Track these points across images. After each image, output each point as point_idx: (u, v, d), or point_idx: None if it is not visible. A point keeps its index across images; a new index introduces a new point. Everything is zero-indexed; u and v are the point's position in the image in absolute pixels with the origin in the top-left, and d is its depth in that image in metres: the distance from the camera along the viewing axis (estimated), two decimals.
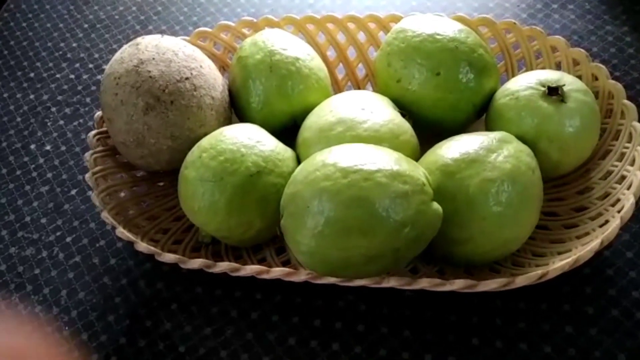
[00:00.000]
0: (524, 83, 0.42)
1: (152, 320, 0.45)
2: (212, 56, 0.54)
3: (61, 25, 0.69)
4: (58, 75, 0.64)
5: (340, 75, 0.55)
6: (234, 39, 0.54)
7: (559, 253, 0.40)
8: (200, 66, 0.45)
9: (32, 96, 0.62)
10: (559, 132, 0.40)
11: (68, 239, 0.51)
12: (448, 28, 0.45)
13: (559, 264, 0.36)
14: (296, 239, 0.33)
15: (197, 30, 0.54)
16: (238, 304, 0.45)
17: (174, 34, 0.66)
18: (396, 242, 0.32)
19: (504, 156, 0.38)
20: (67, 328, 0.46)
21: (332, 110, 0.42)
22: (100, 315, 0.46)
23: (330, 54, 0.55)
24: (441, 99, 0.44)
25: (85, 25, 0.68)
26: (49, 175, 0.55)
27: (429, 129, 0.48)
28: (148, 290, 0.47)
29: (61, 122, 0.60)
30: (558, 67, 0.48)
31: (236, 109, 0.48)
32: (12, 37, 0.68)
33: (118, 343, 0.45)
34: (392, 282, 0.35)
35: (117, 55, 0.45)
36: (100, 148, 0.48)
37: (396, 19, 0.51)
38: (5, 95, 0.63)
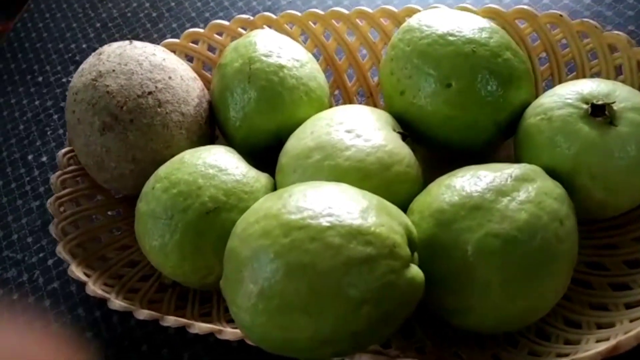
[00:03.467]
0: (560, 98, 0.32)
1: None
2: (208, 60, 0.48)
3: (74, 24, 0.65)
4: (64, 80, 0.60)
5: (350, 81, 0.47)
6: (230, 40, 0.48)
7: (599, 326, 0.30)
8: (169, 77, 0.39)
9: (37, 102, 0.59)
10: (604, 166, 0.30)
11: (50, 262, 0.47)
12: (466, 26, 0.35)
13: (590, 352, 0.26)
14: (233, 308, 0.26)
15: (187, 31, 0.48)
16: (211, 352, 0.39)
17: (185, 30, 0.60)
18: (353, 325, 0.24)
19: (519, 201, 0.28)
20: None
21: (312, 132, 0.35)
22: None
23: (339, 56, 0.47)
24: (452, 116, 0.35)
25: (98, 25, 0.64)
26: (41, 189, 0.52)
27: (443, 151, 0.39)
28: (120, 327, 0.42)
29: (60, 131, 0.56)
30: (619, 71, 0.37)
31: (218, 125, 0.42)
32: (27, 39, 0.66)
33: None
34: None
35: (81, 66, 0.40)
36: (72, 167, 0.43)
37: (413, 12, 0.42)
38: (13, 101, 0.60)
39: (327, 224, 0.25)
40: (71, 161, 0.43)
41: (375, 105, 0.46)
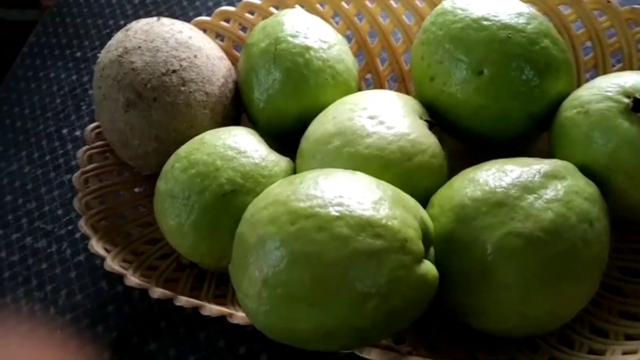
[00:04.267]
0: (600, 90, 0.30)
1: (139, 337, 0.41)
2: (239, 40, 0.47)
3: (113, 1, 0.66)
4: None
5: (382, 65, 0.45)
6: (262, 20, 0.47)
7: (628, 337, 0.28)
8: (195, 56, 0.38)
9: (74, 77, 0.60)
10: None
11: (77, 235, 0.48)
12: (503, 11, 0.33)
13: None
14: (239, 294, 0.26)
15: (218, 9, 0.47)
16: (227, 334, 0.39)
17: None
18: (357, 319, 0.23)
19: (546, 200, 0.27)
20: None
21: (335, 116, 0.34)
22: (91, 324, 0.43)
23: (372, 39, 0.45)
24: (484, 106, 0.33)
25: (136, 1, 0.65)
26: (73, 163, 0.53)
27: (473, 142, 0.37)
28: (140, 304, 0.42)
29: (94, 106, 0.57)
30: None
31: (243, 107, 0.41)
32: (69, 15, 0.67)
33: (101, 358, 0.41)
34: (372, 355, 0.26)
35: (109, 42, 0.40)
36: (100, 143, 0.44)
37: None
38: (52, 75, 0.61)
39: (336, 214, 0.24)
40: (99, 137, 0.43)
41: (407, 92, 0.44)
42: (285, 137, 0.40)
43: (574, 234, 0.26)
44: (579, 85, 0.37)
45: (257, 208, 0.26)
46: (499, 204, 0.27)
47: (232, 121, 0.41)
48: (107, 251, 0.37)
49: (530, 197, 0.27)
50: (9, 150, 0.56)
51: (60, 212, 0.50)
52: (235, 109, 0.41)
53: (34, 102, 0.59)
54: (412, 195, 0.31)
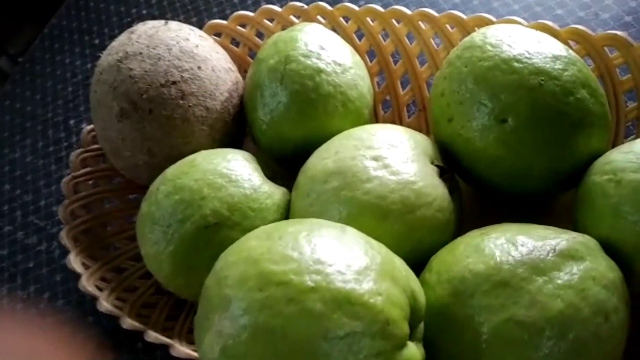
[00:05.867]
0: (637, 157, 0.26)
1: (115, 354, 0.39)
2: (255, 47, 0.45)
3: None
4: None
5: (404, 89, 0.42)
6: (281, 28, 0.44)
7: None
8: (199, 67, 0.35)
9: (89, 65, 0.58)
10: None
11: None
12: (538, 52, 0.29)
13: None
14: (199, 353, 0.23)
15: (235, 14, 0.44)
16: None
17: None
18: None
19: (557, 285, 0.23)
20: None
21: (337, 152, 0.31)
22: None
23: (395, 59, 0.42)
24: (504, 158, 0.30)
25: None
26: None
27: (488, 191, 0.33)
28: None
29: None
30: None
31: (248, 125, 0.38)
32: None
33: None
34: None
35: (112, 43, 0.37)
36: (96, 146, 0.42)
37: (484, 23, 0.36)
38: (67, 60, 0.60)
39: (312, 284, 0.21)
40: (95, 139, 0.41)
41: (427, 121, 0.41)
42: (289, 161, 0.37)
43: (585, 329, 0.23)
44: (615, 141, 0.33)
45: (227, 262, 0.23)
46: (502, 283, 0.23)
47: (232, 138, 0.38)
48: (86, 267, 0.35)
49: (540, 280, 0.23)
50: (14, 136, 0.55)
51: (55, 208, 0.48)
52: (238, 126, 0.38)
53: (46, 88, 0.58)
54: (414, 253, 0.28)
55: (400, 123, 0.41)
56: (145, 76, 0.34)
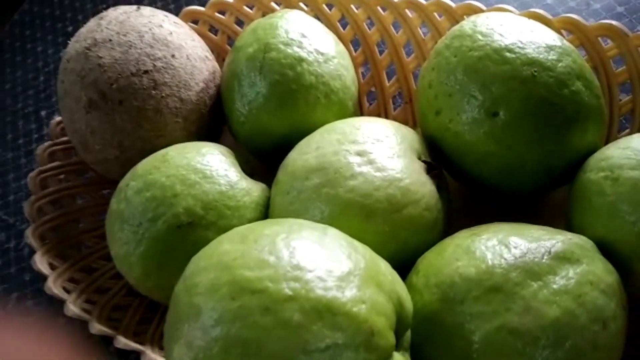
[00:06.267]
0: (635, 153, 0.25)
1: (87, 357, 0.37)
2: (234, 35, 0.42)
3: None
4: None
5: (389, 80, 0.40)
6: (261, 15, 0.42)
7: None
8: (173, 55, 0.33)
9: (61, 53, 0.56)
10: None
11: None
12: (531, 41, 0.28)
13: None
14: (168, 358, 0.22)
15: (213, 0, 0.42)
16: None
17: None
18: None
19: (553, 290, 0.22)
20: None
21: (319, 147, 0.29)
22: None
23: (381, 49, 0.40)
24: (494, 153, 0.28)
25: None
26: None
27: (477, 187, 0.32)
28: None
29: None
30: None
31: (225, 116, 0.36)
32: None
33: None
34: None
35: (80, 29, 0.35)
36: (66, 138, 0.39)
37: (473, 11, 0.35)
38: (39, 49, 0.57)
39: (289, 293, 0.19)
40: (65, 131, 0.39)
41: (413, 114, 0.39)
42: (268, 155, 0.35)
43: (582, 337, 0.21)
44: (609, 135, 0.32)
45: (198, 267, 0.21)
46: (494, 288, 0.22)
47: (209, 131, 0.36)
48: (53, 268, 0.33)
49: (534, 285, 0.22)
50: None
51: (24, 204, 0.46)
52: (214, 118, 0.36)
53: (16, 77, 0.55)
54: (399, 253, 0.26)
55: (386, 116, 0.40)
56: (115, 65, 0.32)
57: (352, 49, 0.40)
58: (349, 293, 0.20)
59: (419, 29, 0.38)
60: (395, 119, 0.40)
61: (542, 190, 0.30)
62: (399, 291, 0.22)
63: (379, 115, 0.40)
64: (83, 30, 0.34)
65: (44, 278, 0.38)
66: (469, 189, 0.34)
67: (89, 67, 0.32)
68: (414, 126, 0.39)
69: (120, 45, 0.33)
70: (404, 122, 0.39)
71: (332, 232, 0.22)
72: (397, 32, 0.39)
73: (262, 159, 0.36)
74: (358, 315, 0.19)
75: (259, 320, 0.19)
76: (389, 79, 0.40)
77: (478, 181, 0.30)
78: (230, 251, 0.21)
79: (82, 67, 0.33)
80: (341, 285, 0.20)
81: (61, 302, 0.38)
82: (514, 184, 0.29)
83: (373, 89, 0.41)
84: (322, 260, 0.20)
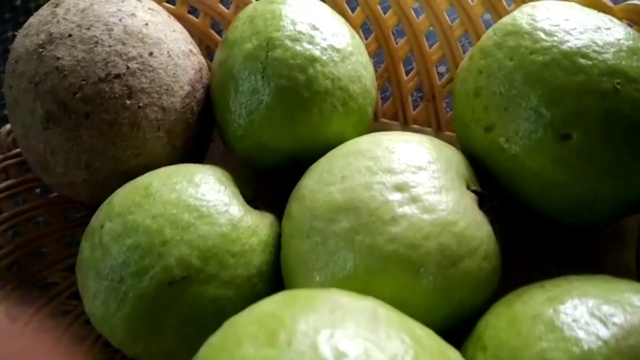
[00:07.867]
0: None
1: None
2: (219, 17, 0.35)
3: None
4: None
5: (407, 74, 0.34)
6: None
7: None
8: (150, 53, 0.27)
9: (9, 33, 0.47)
10: None
11: None
12: (608, 42, 0.22)
13: None
14: None
15: None
16: None
17: None
18: None
19: None
20: None
21: (345, 175, 0.23)
22: None
23: (397, 37, 0.34)
24: (563, 184, 0.23)
25: None
26: None
27: (531, 219, 0.27)
28: None
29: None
30: None
31: (217, 125, 0.30)
32: None
33: None
34: None
35: (30, 19, 0.28)
36: (18, 150, 0.32)
37: None
38: None
39: None
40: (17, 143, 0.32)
41: (436, 114, 0.33)
42: (272, 173, 0.29)
43: None
44: None
45: (215, 347, 0.15)
46: None
47: (197, 143, 0.30)
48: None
49: None
50: None
51: None
52: (203, 128, 0.30)
53: None
54: (452, 316, 0.21)
55: (404, 116, 0.34)
56: (77, 68, 0.25)
57: (362, 36, 0.34)
58: None
59: (445, 14, 0.32)
60: (415, 120, 0.34)
61: (609, 224, 0.25)
62: None
63: (395, 115, 0.34)
64: (33, 20, 0.27)
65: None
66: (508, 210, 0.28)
67: (44, 70, 0.25)
68: (437, 129, 0.33)
69: (83, 42, 0.26)
70: (426, 125, 0.34)
71: (385, 316, 0.17)
72: (418, 17, 0.33)
73: (263, 176, 0.30)
74: None
75: None
76: (407, 72, 0.34)
77: (534, 212, 0.25)
78: (256, 356, 0.15)
79: (35, 71, 0.26)
80: None
81: None
82: (579, 217, 0.24)
83: (386, 84, 0.35)
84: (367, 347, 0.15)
